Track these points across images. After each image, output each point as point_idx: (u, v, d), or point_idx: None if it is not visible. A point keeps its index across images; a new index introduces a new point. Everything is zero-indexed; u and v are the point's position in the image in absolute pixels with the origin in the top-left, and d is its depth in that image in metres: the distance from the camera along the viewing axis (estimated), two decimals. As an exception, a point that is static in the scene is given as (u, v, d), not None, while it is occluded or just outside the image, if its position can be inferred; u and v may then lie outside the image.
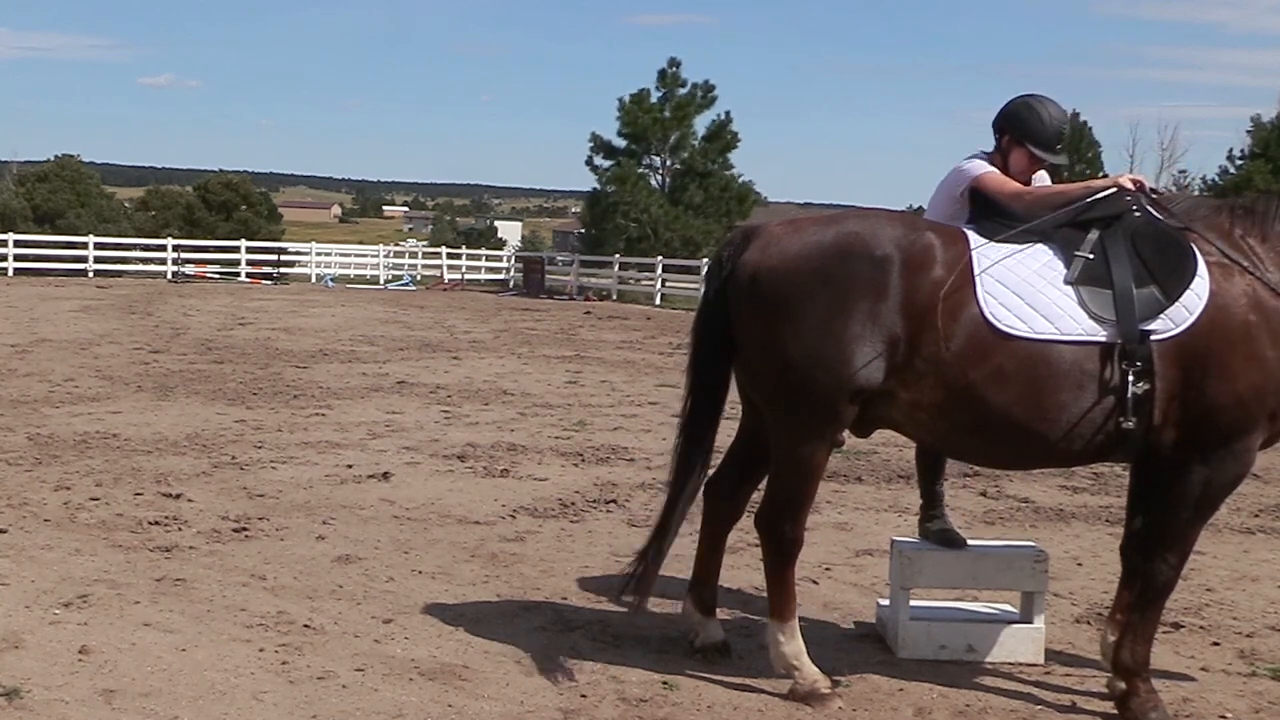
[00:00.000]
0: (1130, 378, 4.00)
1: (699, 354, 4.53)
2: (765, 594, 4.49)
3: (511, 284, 38.05)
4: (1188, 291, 4.05)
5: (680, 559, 5.13)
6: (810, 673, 4.30)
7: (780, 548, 4.31)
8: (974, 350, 4.03)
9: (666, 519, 4.59)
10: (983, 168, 4.78)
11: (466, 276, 40.42)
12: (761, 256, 4.23)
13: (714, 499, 4.73)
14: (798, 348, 4.09)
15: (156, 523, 6.39)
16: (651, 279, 32.79)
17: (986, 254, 4.17)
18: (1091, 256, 4.16)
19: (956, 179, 4.82)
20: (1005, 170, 4.80)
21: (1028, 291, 4.08)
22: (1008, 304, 4.05)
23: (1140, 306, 4.04)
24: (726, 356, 4.43)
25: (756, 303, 4.21)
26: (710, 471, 4.70)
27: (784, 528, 4.28)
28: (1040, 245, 4.25)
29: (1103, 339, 4.03)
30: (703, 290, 4.62)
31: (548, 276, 35.17)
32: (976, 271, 4.11)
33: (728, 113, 42.01)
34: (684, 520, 4.59)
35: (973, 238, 4.26)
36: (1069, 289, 4.11)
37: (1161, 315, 4.03)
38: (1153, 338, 4.02)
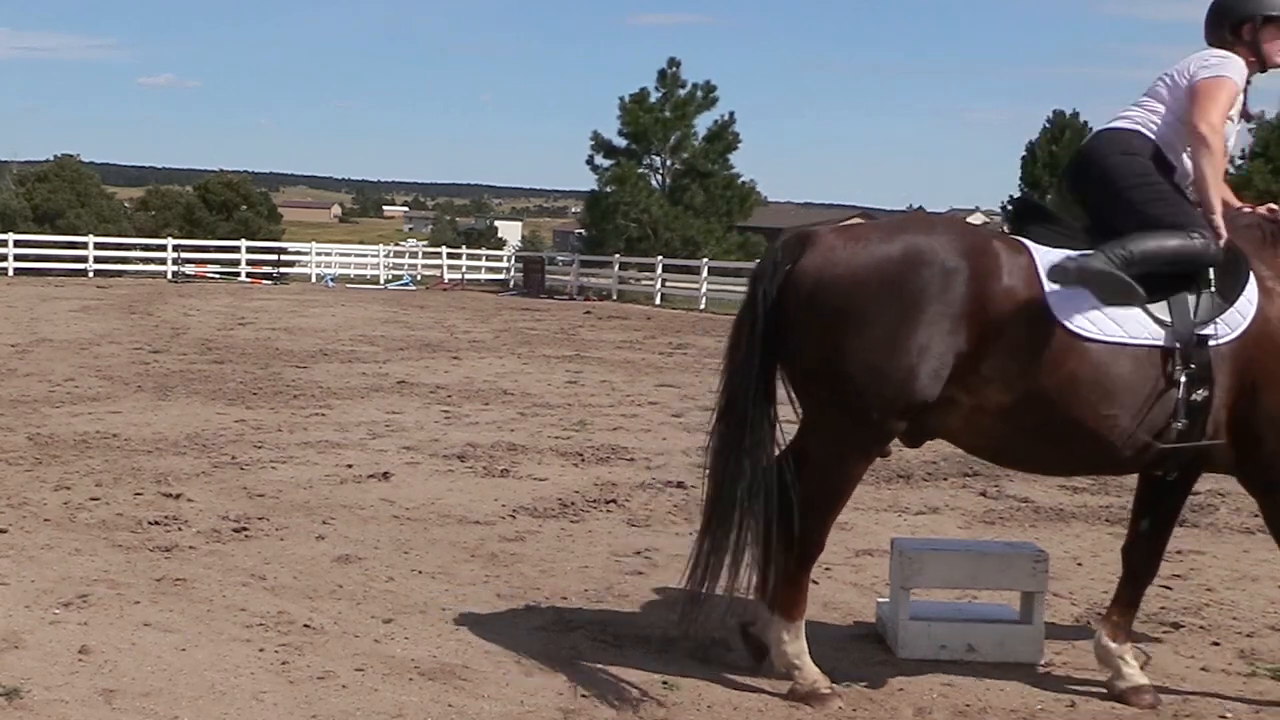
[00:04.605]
0: (1188, 383, 4.03)
1: (752, 366, 4.26)
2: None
3: (511, 284, 38.02)
4: (1241, 298, 4.11)
5: (679, 559, 5.11)
6: (811, 673, 4.30)
7: (801, 549, 4.29)
8: (1045, 354, 4.04)
9: (724, 549, 4.30)
10: (1226, 62, 4.28)
11: (466, 276, 40.39)
12: (824, 264, 4.14)
13: None
14: (860, 360, 4.03)
15: (156, 523, 6.39)
16: (651, 279, 32.74)
17: (1049, 259, 4.16)
18: None
19: (1186, 68, 4.33)
20: (1263, 63, 4.38)
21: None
22: (1077, 307, 4.06)
23: (1197, 311, 4.08)
24: (775, 365, 4.29)
25: (818, 312, 4.11)
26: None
27: (809, 531, 4.26)
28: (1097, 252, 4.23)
29: (1163, 344, 4.07)
30: (749, 297, 4.31)
31: (548, 276, 35.13)
32: (1043, 276, 4.11)
33: (730, 113, 41.99)
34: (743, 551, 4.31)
35: (1034, 246, 4.23)
36: None
37: (1218, 320, 4.08)
38: (1210, 343, 4.06)
